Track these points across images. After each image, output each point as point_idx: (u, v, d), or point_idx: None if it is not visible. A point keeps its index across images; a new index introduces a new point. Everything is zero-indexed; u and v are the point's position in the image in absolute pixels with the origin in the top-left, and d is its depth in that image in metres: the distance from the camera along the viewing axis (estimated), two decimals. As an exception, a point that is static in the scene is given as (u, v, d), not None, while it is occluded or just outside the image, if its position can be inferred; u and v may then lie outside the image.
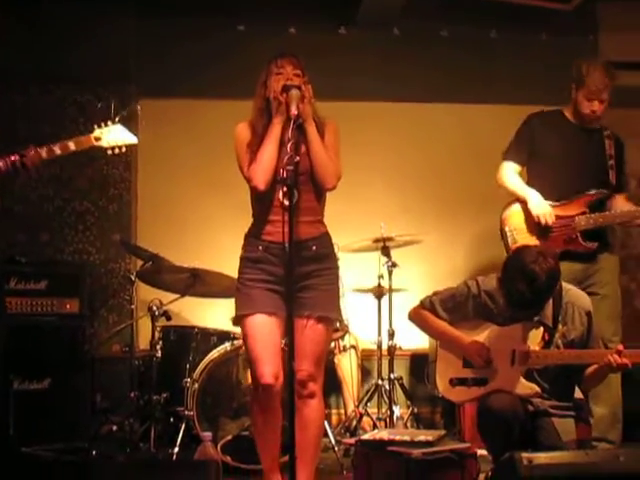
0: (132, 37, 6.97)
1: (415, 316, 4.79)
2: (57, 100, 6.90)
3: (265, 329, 4.09)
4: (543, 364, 4.34)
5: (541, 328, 4.36)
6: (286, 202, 3.87)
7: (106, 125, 4.53)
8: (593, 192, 5.32)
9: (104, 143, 4.52)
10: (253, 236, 4.21)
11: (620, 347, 4.24)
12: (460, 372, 4.54)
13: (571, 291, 4.53)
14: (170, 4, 7.01)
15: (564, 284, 4.51)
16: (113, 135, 4.53)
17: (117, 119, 4.54)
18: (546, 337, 4.36)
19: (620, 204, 5.41)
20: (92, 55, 6.76)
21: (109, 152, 4.58)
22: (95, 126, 4.53)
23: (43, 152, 4.37)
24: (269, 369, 4.05)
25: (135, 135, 4.62)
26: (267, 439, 4.19)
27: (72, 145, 4.45)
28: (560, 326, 4.40)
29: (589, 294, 5.03)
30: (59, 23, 6.81)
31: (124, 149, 4.59)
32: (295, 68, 4.18)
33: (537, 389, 4.34)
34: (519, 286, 4.20)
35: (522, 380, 4.34)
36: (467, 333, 4.53)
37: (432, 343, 6.51)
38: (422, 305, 4.76)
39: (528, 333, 4.35)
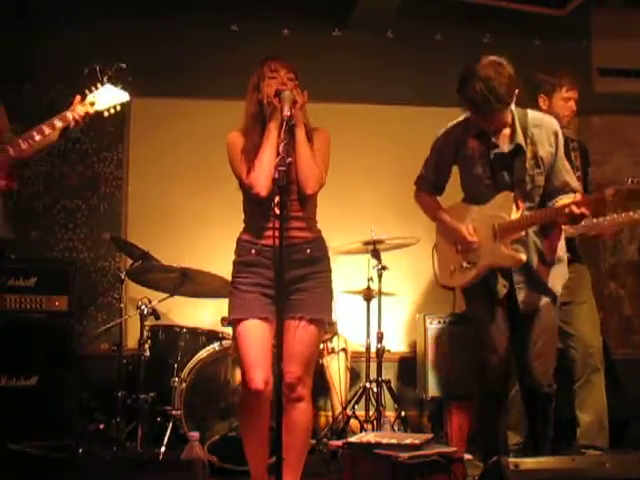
0: (124, 36, 6.95)
1: (416, 200, 4.89)
2: (48, 100, 6.88)
3: (257, 334, 4.08)
4: (519, 231, 4.40)
5: (512, 203, 4.40)
6: (277, 210, 3.84)
7: (96, 88, 4.51)
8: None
9: (99, 106, 4.49)
10: (246, 240, 4.20)
11: (578, 197, 4.34)
12: (455, 258, 4.64)
13: (536, 114, 4.58)
14: (163, 3, 7.01)
15: (529, 110, 4.55)
16: (106, 96, 4.51)
17: (105, 79, 4.51)
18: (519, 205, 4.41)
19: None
20: (82, 54, 6.74)
21: (106, 114, 4.54)
22: (86, 91, 4.49)
23: (30, 140, 4.34)
24: (259, 374, 4.03)
25: (126, 92, 4.59)
26: (255, 442, 4.18)
27: (69, 116, 4.40)
28: (530, 147, 4.43)
29: (567, 303, 5.08)
30: (46, 18, 6.82)
31: (119, 108, 4.57)
32: (289, 72, 4.17)
33: (520, 256, 4.38)
34: (476, 87, 4.25)
35: (505, 251, 4.41)
36: (457, 219, 4.62)
37: (420, 347, 6.55)
38: (417, 187, 4.86)
39: (507, 207, 4.42)
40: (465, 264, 4.57)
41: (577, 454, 4.99)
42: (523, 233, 4.42)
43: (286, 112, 3.98)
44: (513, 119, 4.45)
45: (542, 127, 4.50)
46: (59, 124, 4.35)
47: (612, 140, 5.59)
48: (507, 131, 4.47)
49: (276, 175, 3.79)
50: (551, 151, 4.47)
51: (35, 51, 6.66)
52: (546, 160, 4.45)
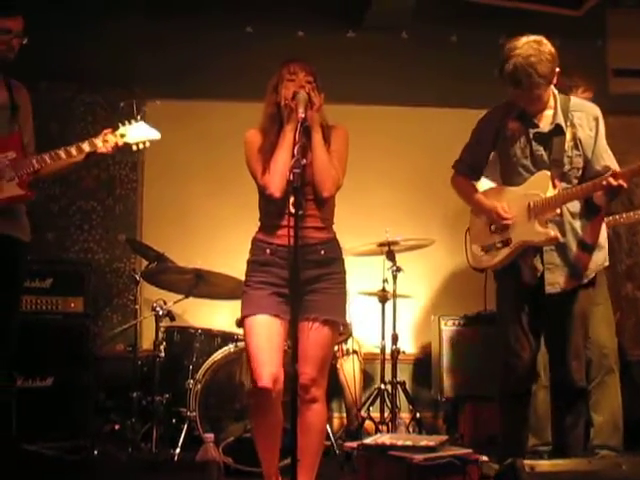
0: (138, 37, 6.97)
1: (453, 184, 4.89)
2: (64, 99, 6.92)
3: (266, 330, 4.06)
4: (555, 208, 4.39)
5: (549, 181, 4.40)
6: (293, 210, 3.84)
7: (129, 123, 4.59)
8: None
9: (129, 140, 4.57)
10: (261, 240, 4.19)
11: (617, 169, 4.31)
12: (488, 239, 4.63)
13: (578, 100, 4.60)
14: (177, 4, 7.02)
15: (572, 96, 4.58)
16: (137, 132, 4.59)
17: (140, 116, 4.62)
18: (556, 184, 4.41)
19: None
20: (97, 55, 6.77)
21: (134, 147, 4.63)
22: (119, 124, 4.57)
23: (56, 158, 4.44)
24: (267, 371, 4.00)
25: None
26: (267, 442, 4.17)
27: (98, 143, 4.50)
28: (570, 129, 4.43)
29: None
30: (66, 22, 6.83)
31: (148, 144, 4.65)
32: (307, 74, 4.17)
33: (553, 234, 4.37)
34: (517, 63, 4.26)
35: (539, 228, 4.39)
36: (493, 200, 4.62)
37: (435, 349, 6.54)
38: (455, 170, 4.86)
39: (543, 186, 4.41)
40: (499, 244, 4.56)
41: (591, 454, 4.97)
42: (558, 211, 4.39)
43: (301, 114, 3.98)
44: (555, 101, 4.46)
45: (583, 111, 4.49)
46: (87, 148, 4.44)
47: (627, 140, 5.56)
48: (549, 113, 4.47)
49: (291, 177, 3.80)
50: (591, 134, 4.45)
51: (51, 50, 6.67)
52: (585, 143, 4.43)
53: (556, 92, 4.49)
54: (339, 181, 4.15)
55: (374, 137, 7.02)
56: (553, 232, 4.38)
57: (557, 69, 4.34)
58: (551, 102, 4.48)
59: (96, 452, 5.63)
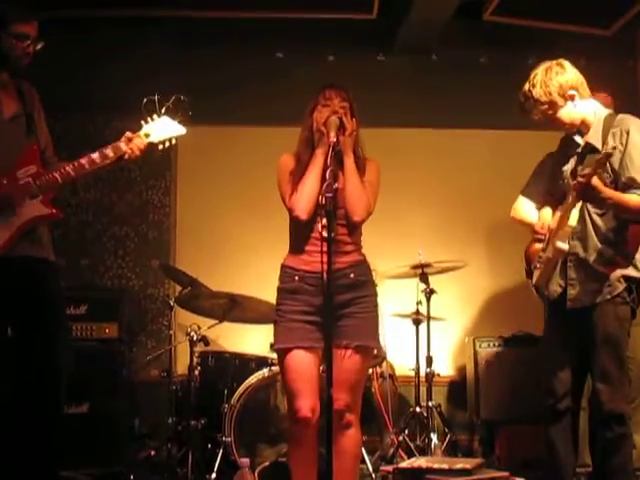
0: (168, 64, 7.02)
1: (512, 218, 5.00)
2: (95, 127, 6.97)
3: (302, 364, 4.07)
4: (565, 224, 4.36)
5: None
6: (325, 234, 3.85)
7: (152, 120, 4.35)
8: None
9: (154, 139, 4.34)
10: (289, 267, 4.19)
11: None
12: (538, 257, 4.63)
13: (623, 115, 4.53)
14: (208, 30, 7.07)
15: (620, 114, 4.53)
16: (161, 128, 4.37)
17: (163, 111, 4.36)
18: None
19: None
20: (127, 81, 6.82)
21: (160, 147, 4.39)
22: (142, 122, 4.34)
23: (79, 168, 4.23)
24: (306, 403, 4.03)
25: (184, 126, 4.43)
26: (304, 470, 4.13)
27: (122, 147, 4.25)
28: (604, 147, 4.37)
29: None
30: (93, 49, 6.91)
31: (174, 142, 4.41)
32: (342, 100, 4.19)
33: (559, 246, 4.33)
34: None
35: (554, 243, 4.36)
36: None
37: (470, 371, 6.51)
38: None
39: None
40: (538, 261, 4.56)
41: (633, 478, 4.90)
42: (573, 225, 4.34)
43: (332, 138, 4.00)
44: (596, 120, 4.46)
45: (619, 126, 4.45)
46: (111, 154, 4.23)
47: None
48: (590, 133, 4.47)
49: (323, 201, 3.81)
50: (620, 149, 4.39)
51: (77, 79, 6.74)
52: (614, 158, 4.36)
53: (597, 111, 4.48)
54: (370, 207, 4.16)
55: (405, 159, 7.03)
56: (560, 245, 4.33)
57: (570, 92, 4.37)
58: (591, 121, 4.46)
59: (132, 478, 5.64)
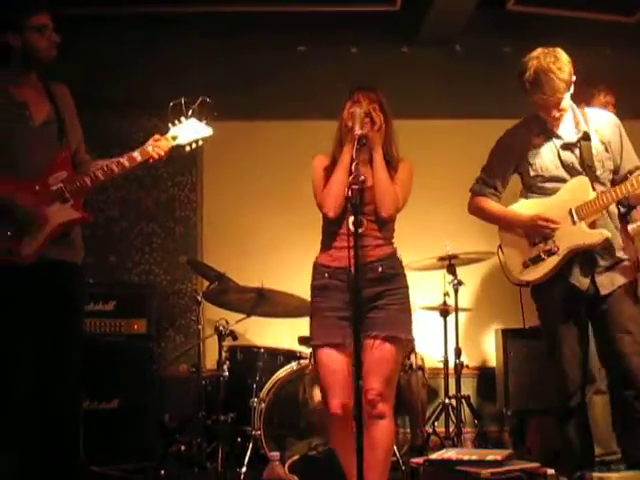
0: (192, 59, 7.04)
1: (471, 209, 4.92)
2: (121, 124, 6.99)
3: (334, 362, 4.12)
4: (600, 210, 4.41)
5: (588, 185, 4.42)
6: (353, 228, 3.86)
7: (179, 122, 4.37)
8: None
9: (182, 140, 4.35)
10: (320, 264, 4.24)
11: None
12: (530, 252, 4.60)
13: (593, 109, 4.70)
14: (231, 25, 7.07)
15: (584, 106, 4.63)
16: (189, 130, 4.38)
17: (190, 113, 4.38)
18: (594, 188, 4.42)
19: None
20: (152, 78, 6.84)
21: (187, 148, 4.41)
22: (169, 125, 4.36)
23: (109, 172, 4.26)
24: (337, 401, 4.09)
25: (209, 126, 4.43)
26: (348, 454, 4.04)
27: (150, 151, 4.25)
28: (593, 133, 4.47)
29: None
30: (118, 45, 6.95)
31: (201, 143, 4.43)
32: (371, 102, 4.20)
33: (606, 234, 4.37)
34: (533, 67, 4.39)
35: (588, 230, 4.40)
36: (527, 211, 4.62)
37: (499, 362, 6.48)
38: (473, 193, 4.88)
39: (583, 189, 4.44)
40: (544, 254, 4.53)
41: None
42: (605, 212, 4.43)
43: (357, 131, 4.01)
44: (574, 111, 4.53)
45: (602, 117, 4.59)
46: (139, 158, 4.24)
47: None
48: (569, 123, 4.54)
49: (349, 193, 3.81)
50: (616, 139, 4.52)
51: (103, 75, 6.76)
52: (614, 145, 4.50)
53: (572, 103, 4.54)
54: (399, 203, 4.18)
55: (431, 151, 7.00)
56: (606, 232, 4.38)
57: (574, 78, 4.40)
58: (570, 112, 4.54)
59: (162, 473, 5.66)
